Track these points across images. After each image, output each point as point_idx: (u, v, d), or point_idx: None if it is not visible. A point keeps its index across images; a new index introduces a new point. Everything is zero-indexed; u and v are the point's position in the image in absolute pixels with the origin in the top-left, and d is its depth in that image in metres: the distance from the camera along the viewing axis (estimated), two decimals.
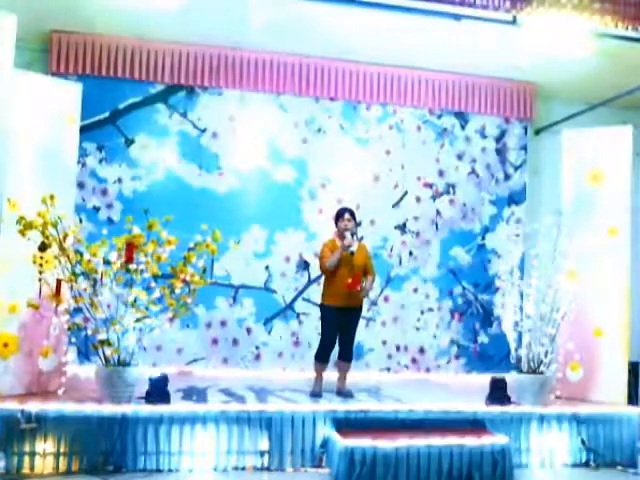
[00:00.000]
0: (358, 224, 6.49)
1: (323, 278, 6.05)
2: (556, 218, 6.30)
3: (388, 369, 7.34)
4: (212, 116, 7.13)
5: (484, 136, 7.78)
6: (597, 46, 5.86)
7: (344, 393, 5.91)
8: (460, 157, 7.71)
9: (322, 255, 5.94)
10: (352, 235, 5.86)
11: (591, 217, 6.29)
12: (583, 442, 5.66)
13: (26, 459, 4.82)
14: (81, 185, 6.67)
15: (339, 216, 5.98)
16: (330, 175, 7.36)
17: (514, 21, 5.54)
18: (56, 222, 5.12)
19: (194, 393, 5.79)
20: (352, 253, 5.79)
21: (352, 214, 5.97)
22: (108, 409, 4.98)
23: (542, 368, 5.87)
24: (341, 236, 5.90)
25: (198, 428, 5.06)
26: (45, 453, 4.85)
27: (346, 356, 6.00)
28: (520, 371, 5.93)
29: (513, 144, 7.86)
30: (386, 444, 4.92)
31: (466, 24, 5.64)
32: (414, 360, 7.43)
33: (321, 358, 5.94)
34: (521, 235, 7.24)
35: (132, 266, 5.19)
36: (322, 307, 6.03)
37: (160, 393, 5.18)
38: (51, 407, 4.93)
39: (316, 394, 5.82)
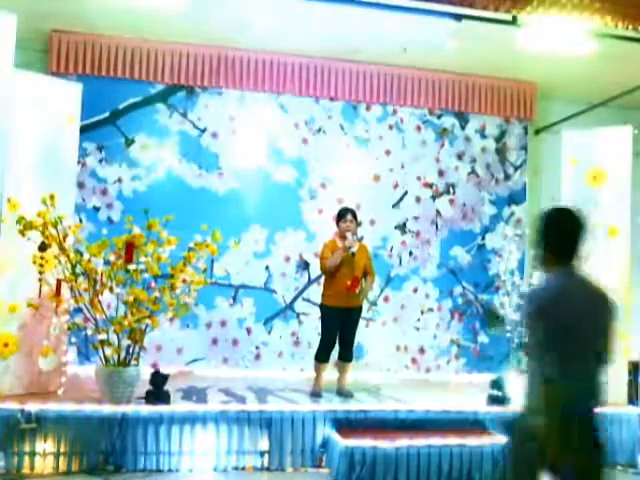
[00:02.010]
0: (358, 224, 6.49)
1: (323, 278, 6.05)
2: None
3: (388, 369, 7.33)
4: (212, 116, 7.13)
5: (484, 136, 7.78)
6: (597, 46, 5.85)
7: (344, 393, 5.91)
8: (460, 157, 7.70)
9: (323, 255, 5.92)
10: (353, 236, 5.86)
11: (591, 217, 6.27)
12: None
13: (26, 459, 4.82)
14: (81, 185, 6.67)
15: (341, 216, 5.97)
16: (330, 175, 7.36)
17: (514, 21, 5.53)
18: (56, 222, 5.12)
19: (194, 393, 5.79)
20: (353, 255, 5.78)
21: (354, 215, 5.97)
22: (108, 409, 4.99)
23: None
24: (342, 237, 5.89)
25: (198, 428, 5.07)
26: (45, 453, 4.85)
27: (346, 356, 6.00)
28: (520, 371, 5.93)
29: (513, 144, 7.85)
30: (386, 444, 4.92)
31: (466, 24, 5.63)
32: (414, 360, 7.42)
33: (321, 358, 5.93)
34: (522, 235, 7.24)
35: (132, 266, 5.19)
36: (322, 307, 6.02)
37: (160, 389, 5.18)
38: (51, 407, 4.94)
39: (316, 394, 5.82)
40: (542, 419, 2.64)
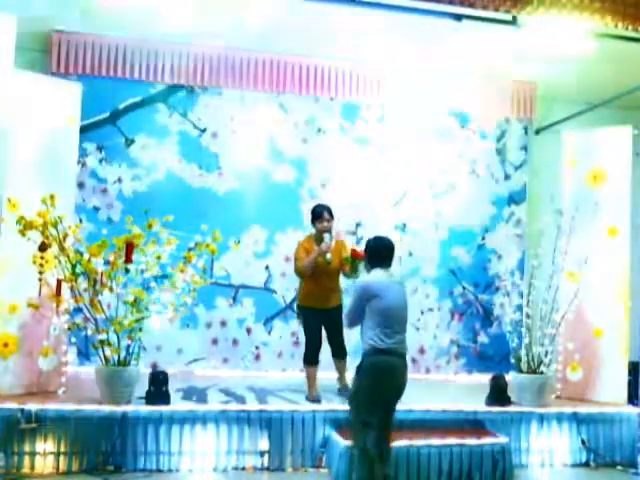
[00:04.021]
0: (359, 224, 6.44)
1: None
2: (556, 218, 6.30)
3: None
4: (212, 116, 7.13)
5: (484, 136, 7.78)
6: (597, 46, 5.85)
7: (344, 391, 5.85)
8: (460, 157, 7.70)
9: (297, 256, 5.60)
10: (329, 236, 5.53)
11: (591, 217, 6.29)
12: (583, 442, 5.66)
13: (26, 459, 4.83)
14: (81, 185, 6.67)
15: (317, 216, 5.62)
16: (330, 175, 7.36)
17: (514, 21, 5.53)
18: (56, 222, 5.12)
19: (194, 393, 5.78)
20: (328, 262, 5.49)
21: (330, 212, 5.65)
22: (108, 409, 4.99)
23: (542, 368, 5.88)
24: (319, 237, 5.56)
25: (198, 428, 5.07)
26: (45, 453, 4.85)
27: (339, 353, 5.83)
28: (520, 371, 5.93)
29: (513, 144, 7.85)
30: None
31: (466, 24, 5.63)
32: (414, 360, 7.41)
33: (310, 360, 5.73)
34: (522, 235, 7.25)
35: (132, 266, 5.20)
36: (300, 308, 5.87)
37: (160, 388, 5.17)
38: (51, 407, 4.94)
39: (314, 400, 5.57)
40: (373, 366, 4.24)
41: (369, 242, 4.60)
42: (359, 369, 4.31)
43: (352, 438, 4.42)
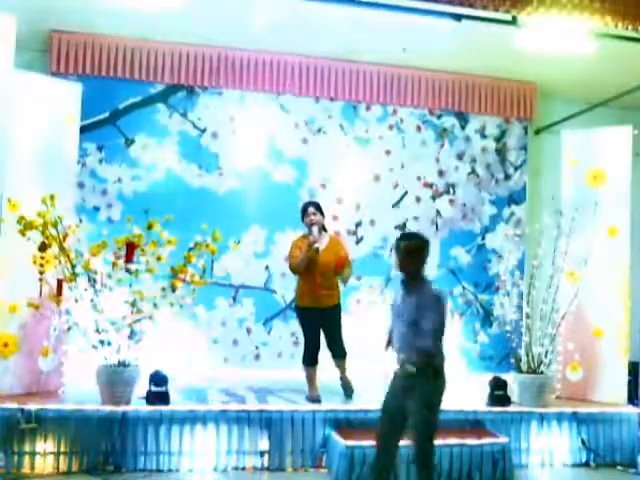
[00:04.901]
0: (359, 224, 6.42)
1: (297, 278, 5.87)
2: (556, 218, 6.31)
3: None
4: (212, 116, 7.12)
5: (484, 136, 7.77)
6: (597, 46, 5.85)
7: (346, 385, 5.85)
8: (460, 157, 7.70)
9: (291, 254, 5.69)
10: (320, 229, 5.61)
11: (591, 217, 6.29)
12: (583, 442, 5.66)
13: (26, 459, 4.83)
14: (81, 185, 6.66)
15: (303, 211, 5.76)
16: (330, 175, 7.35)
17: (514, 21, 5.53)
18: (56, 222, 5.13)
19: (194, 393, 5.79)
20: (317, 251, 5.54)
21: (317, 207, 5.74)
22: (108, 409, 4.99)
23: (542, 368, 5.88)
24: (309, 233, 5.65)
25: (198, 428, 5.07)
26: (45, 453, 4.86)
27: (339, 353, 5.82)
28: (520, 371, 5.94)
29: (513, 144, 7.85)
30: None
31: (466, 24, 5.64)
32: None
33: (308, 362, 5.75)
34: (522, 235, 7.24)
35: (132, 266, 5.20)
36: (297, 309, 5.88)
37: (160, 388, 5.17)
38: (51, 407, 4.95)
39: (314, 400, 5.60)
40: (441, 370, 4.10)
41: (419, 242, 4.21)
42: (432, 386, 4.04)
43: (427, 452, 4.05)
